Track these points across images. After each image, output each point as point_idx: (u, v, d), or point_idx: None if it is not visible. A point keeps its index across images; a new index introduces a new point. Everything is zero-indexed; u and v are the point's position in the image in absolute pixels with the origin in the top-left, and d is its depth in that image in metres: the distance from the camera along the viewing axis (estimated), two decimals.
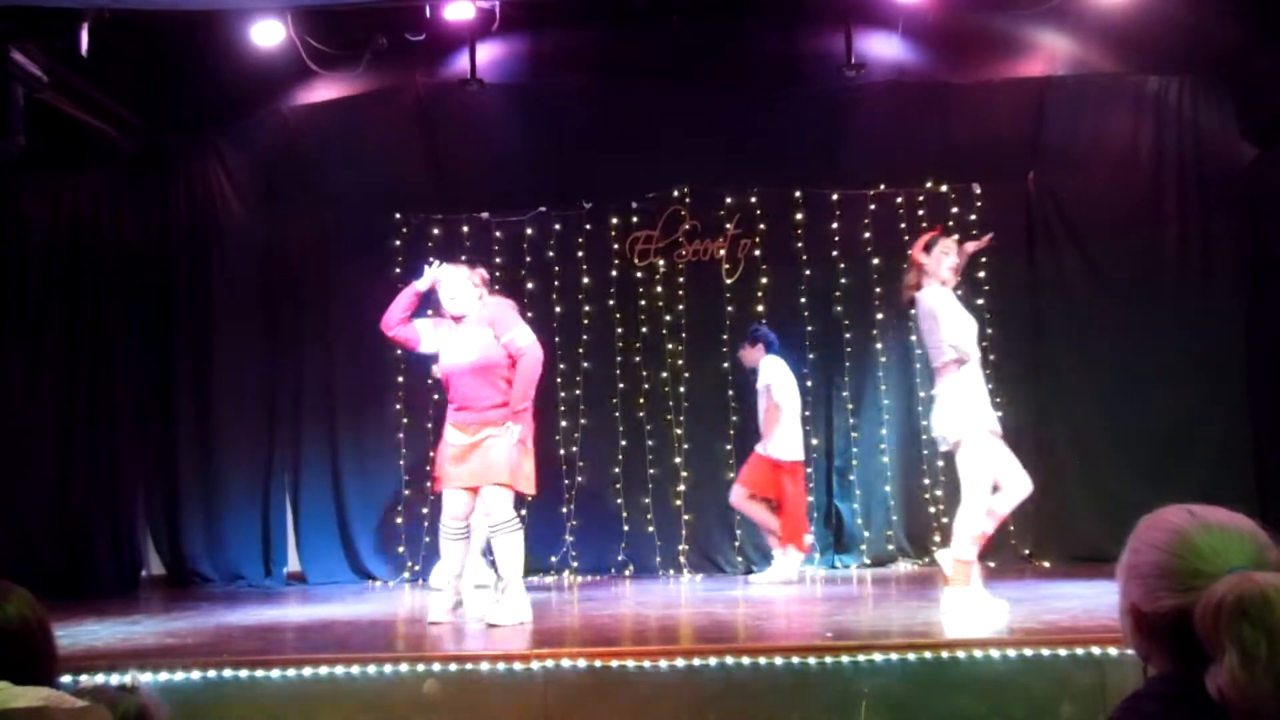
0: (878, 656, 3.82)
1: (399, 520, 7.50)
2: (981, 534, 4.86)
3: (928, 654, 3.83)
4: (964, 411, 4.89)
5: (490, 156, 7.62)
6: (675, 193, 7.69)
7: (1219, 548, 1.37)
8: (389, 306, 5.24)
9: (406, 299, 5.21)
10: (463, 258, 6.60)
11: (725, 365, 7.57)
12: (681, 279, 7.67)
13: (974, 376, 5.00)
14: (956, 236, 5.28)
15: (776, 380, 6.84)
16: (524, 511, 7.44)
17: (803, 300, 7.58)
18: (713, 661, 3.86)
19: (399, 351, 7.57)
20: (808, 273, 7.62)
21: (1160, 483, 6.56)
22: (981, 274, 7.52)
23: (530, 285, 7.65)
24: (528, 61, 7.64)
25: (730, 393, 7.57)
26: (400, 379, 7.58)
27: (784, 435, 6.80)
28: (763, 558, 7.47)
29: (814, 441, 7.54)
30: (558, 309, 7.63)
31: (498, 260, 7.67)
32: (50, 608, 2.04)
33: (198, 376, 7.52)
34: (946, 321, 4.97)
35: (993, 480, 4.85)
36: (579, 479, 7.53)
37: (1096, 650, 3.79)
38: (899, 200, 7.62)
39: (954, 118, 7.42)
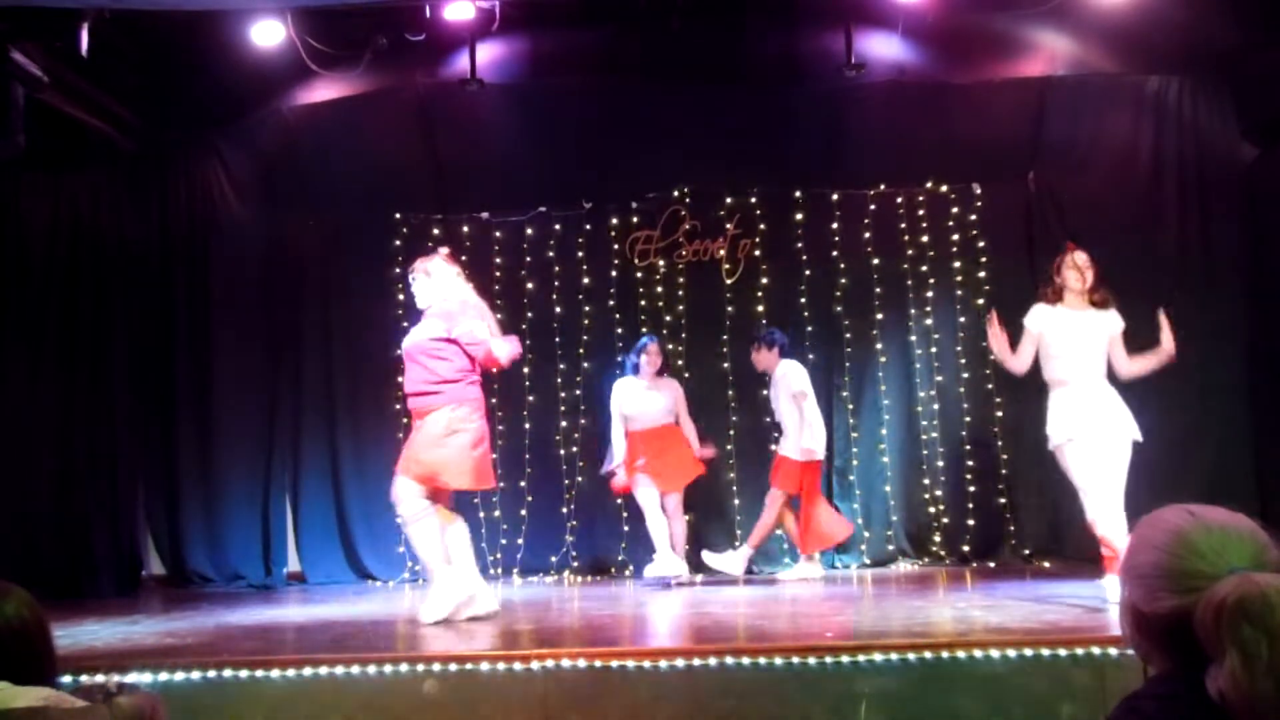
0: (878, 656, 3.81)
1: (399, 520, 7.49)
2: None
3: (928, 654, 3.83)
4: (1052, 424, 5.22)
5: (490, 156, 7.62)
6: (675, 193, 7.69)
7: (1219, 548, 1.37)
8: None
9: None
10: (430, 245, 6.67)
11: (725, 365, 7.58)
12: (681, 279, 7.67)
13: (1066, 392, 5.23)
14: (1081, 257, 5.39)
15: (804, 384, 6.81)
16: (523, 511, 7.52)
17: (803, 300, 7.58)
18: (713, 661, 3.85)
19: (399, 351, 7.60)
20: (808, 273, 7.62)
21: (1160, 483, 6.55)
22: (982, 274, 7.54)
23: (530, 285, 7.65)
24: (528, 61, 7.64)
25: (730, 393, 7.57)
26: (400, 379, 7.57)
27: (812, 434, 6.77)
28: (764, 557, 7.48)
29: None
30: (558, 309, 7.63)
31: (498, 260, 7.68)
32: (50, 608, 2.05)
33: (197, 376, 7.52)
34: (1043, 342, 5.31)
35: (1087, 483, 5.11)
36: (579, 479, 7.54)
37: (1096, 650, 3.78)
38: (899, 200, 7.63)
39: (954, 118, 7.41)
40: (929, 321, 7.60)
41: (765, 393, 7.34)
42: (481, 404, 5.14)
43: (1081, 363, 5.24)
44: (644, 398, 6.89)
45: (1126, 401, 5.42)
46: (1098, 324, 5.29)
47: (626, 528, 7.44)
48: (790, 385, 6.79)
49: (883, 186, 7.63)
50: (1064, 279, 5.33)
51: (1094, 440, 5.12)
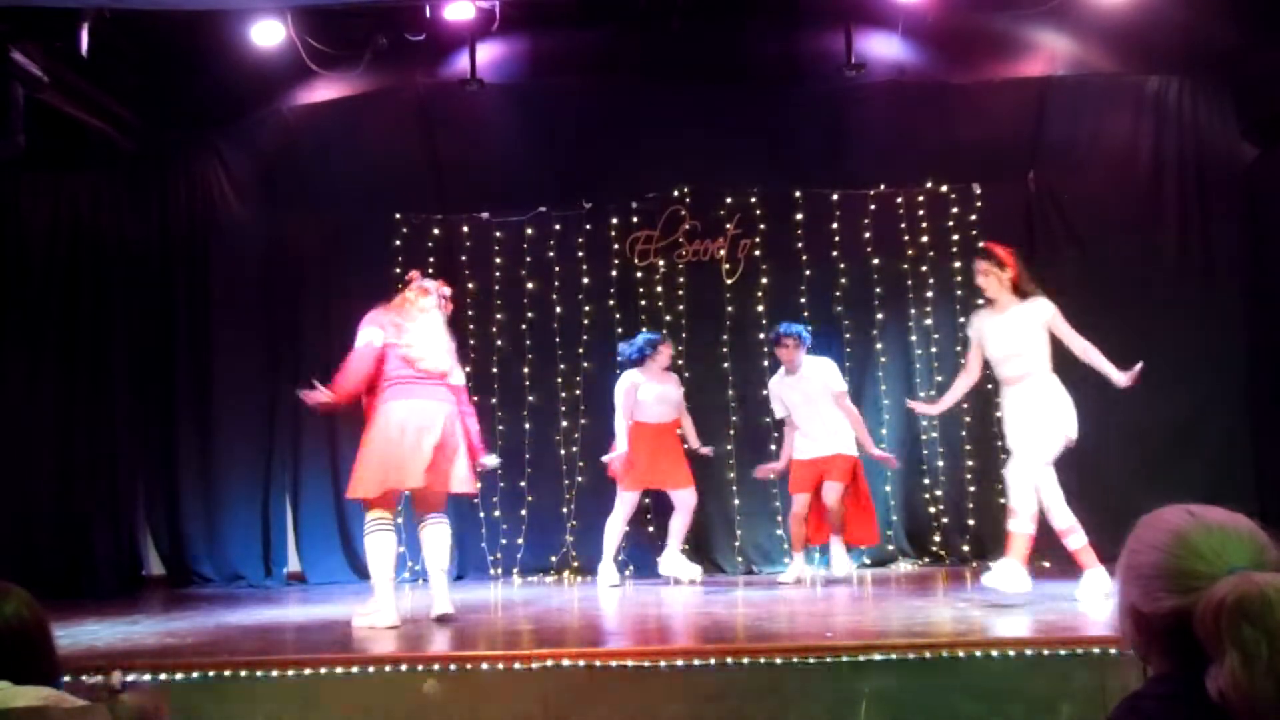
0: (878, 656, 3.81)
1: (399, 520, 7.48)
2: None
3: (928, 654, 3.83)
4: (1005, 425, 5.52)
5: (490, 156, 7.62)
6: (675, 193, 7.68)
7: (1218, 548, 1.36)
8: None
9: None
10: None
11: (725, 365, 7.57)
12: (681, 279, 7.67)
13: (1010, 394, 5.45)
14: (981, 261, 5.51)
15: (841, 380, 6.73)
16: (523, 511, 7.52)
17: (803, 300, 7.58)
18: (713, 661, 3.85)
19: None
20: (808, 273, 7.61)
21: (1160, 482, 6.56)
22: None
23: (530, 285, 7.65)
24: (528, 61, 7.65)
25: (730, 392, 7.57)
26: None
27: (852, 430, 6.71)
28: (763, 557, 7.48)
29: None
30: (558, 309, 7.63)
31: (498, 260, 7.68)
32: (50, 608, 2.05)
33: (197, 377, 7.53)
34: (984, 347, 5.53)
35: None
36: (579, 479, 7.54)
37: (1096, 650, 3.78)
38: (899, 200, 7.62)
39: (954, 118, 7.42)
40: (929, 321, 7.60)
41: (765, 392, 7.34)
42: (386, 406, 5.05)
43: (1015, 360, 5.33)
44: (659, 392, 6.88)
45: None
46: (1024, 317, 5.34)
47: (627, 528, 7.43)
48: (832, 384, 6.63)
49: (883, 186, 7.63)
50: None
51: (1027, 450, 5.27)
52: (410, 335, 5.11)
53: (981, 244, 5.80)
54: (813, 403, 6.65)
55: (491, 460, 5.54)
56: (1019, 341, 5.31)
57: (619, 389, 6.88)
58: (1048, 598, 5.25)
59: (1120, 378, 5.24)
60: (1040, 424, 5.24)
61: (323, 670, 3.88)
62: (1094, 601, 5.06)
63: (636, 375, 6.87)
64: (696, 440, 7.02)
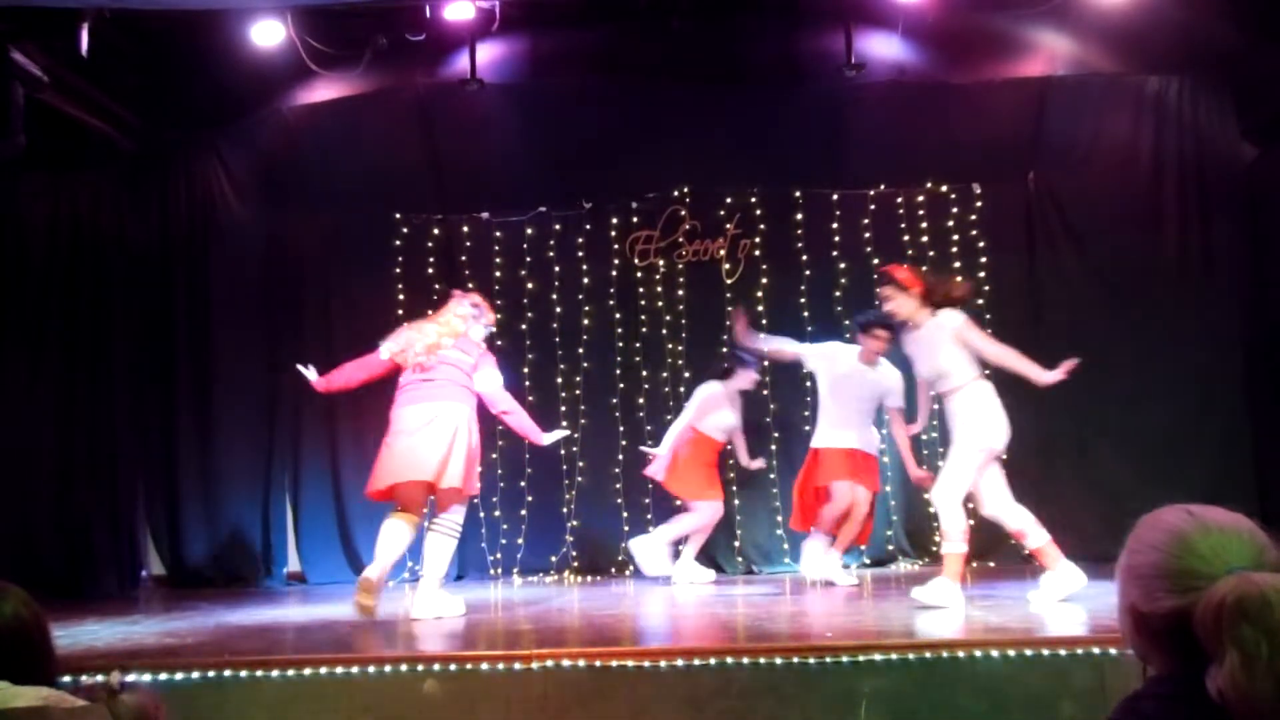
0: (878, 656, 3.81)
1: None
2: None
3: (928, 654, 3.83)
4: None
5: (490, 156, 7.62)
6: (675, 193, 7.69)
7: (1218, 549, 1.36)
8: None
9: None
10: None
11: (725, 365, 7.56)
12: (681, 279, 7.67)
13: (943, 407, 5.49)
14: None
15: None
16: (523, 511, 7.52)
17: (803, 300, 7.58)
18: (713, 661, 3.85)
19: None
20: (808, 273, 7.62)
21: (1160, 483, 6.56)
22: (981, 274, 7.53)
23: (530, 285, 7.65)
24: (528, 61, 7.65)
25: None
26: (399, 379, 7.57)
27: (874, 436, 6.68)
28: (763, 557, 7.48)
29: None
30: (558, 309, 7.63)
31: (498, 260, 7.68)
32: (50, 608, 2.05)
33: (197, 376, 7.52)
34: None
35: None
36: (579, 479, 7.54)
37: (1096, 650, 3.78)
38: (899, 200, 7.62)
39: (954, 118, 7.41)
40: None
41: (765, 393, 7.35)
42: (396, 412, 5.47)
43: (935, 373, 5.36)
44: (722, 414, 6.92)
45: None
46: (933, 331, 5.31)
47: (627, 528, 7.43)
48: (898, 398, 6.50)
49: (883, 186, 7.63)
50: None
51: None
52: (419, 344, 5.47)
53: (880, 271, 5.72)
54: (859, 400, 6.50)
55: (550, 436, 6.06)
56: (935, 356, 5.29)
57: (696, 393, 6.96)
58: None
59: (1044, 376, 5.17)
60: (959, 440, 5.24)
61: (323, 670, 3.88)
62: (1047, 603, 5.03)
63: (716, 388, 6.92)
64: (747, 457, 7.08)
